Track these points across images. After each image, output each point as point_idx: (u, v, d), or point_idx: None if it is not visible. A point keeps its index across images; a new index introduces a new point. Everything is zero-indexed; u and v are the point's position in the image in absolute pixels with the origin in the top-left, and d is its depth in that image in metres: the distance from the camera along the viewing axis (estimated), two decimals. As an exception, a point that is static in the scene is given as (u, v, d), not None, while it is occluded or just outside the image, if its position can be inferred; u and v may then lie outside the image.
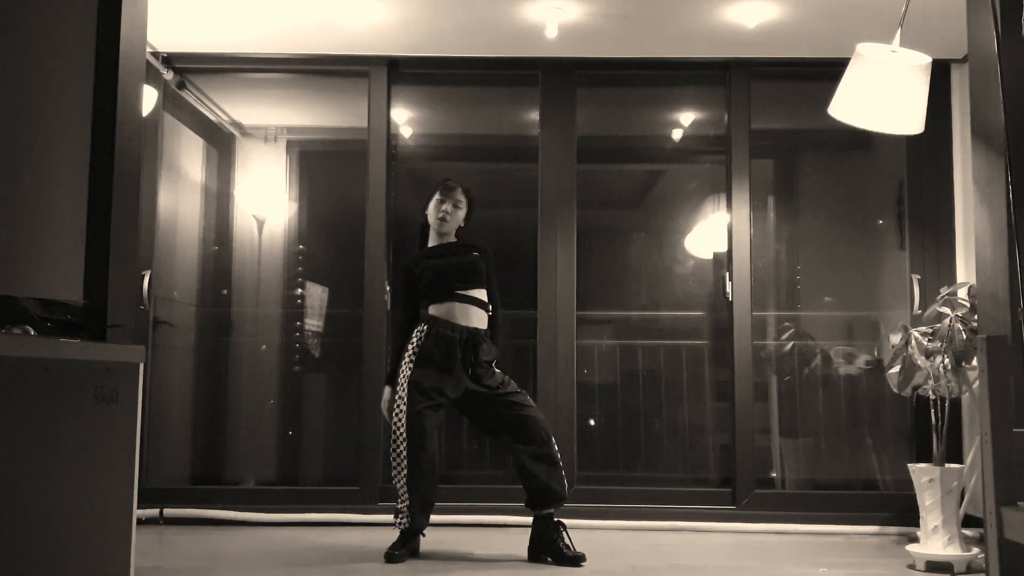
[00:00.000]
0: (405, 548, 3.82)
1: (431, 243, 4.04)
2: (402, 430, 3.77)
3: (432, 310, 3.91)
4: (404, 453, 3.77)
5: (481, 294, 3.94)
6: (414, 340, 3.86)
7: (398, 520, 3.82)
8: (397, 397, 3.82)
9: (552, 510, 3.81)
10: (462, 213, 4.00)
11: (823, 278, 5.39)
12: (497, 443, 5.09)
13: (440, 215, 3.94)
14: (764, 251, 5.19)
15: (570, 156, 4.98)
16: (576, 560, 3.73)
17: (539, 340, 4.87)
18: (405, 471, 3.77)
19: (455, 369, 3.81)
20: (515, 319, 5.03)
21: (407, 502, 3.79)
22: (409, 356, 3.85)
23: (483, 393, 3.84)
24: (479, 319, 3.92)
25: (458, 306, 3.89)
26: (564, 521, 3.82)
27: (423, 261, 3.99)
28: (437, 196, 3.98)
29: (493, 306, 3.99)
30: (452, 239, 4.03)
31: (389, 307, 4.94)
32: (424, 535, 3.93)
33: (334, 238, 5.53)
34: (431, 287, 3.92)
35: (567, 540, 3.78)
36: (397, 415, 3.80)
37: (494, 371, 3.91)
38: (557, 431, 4.66)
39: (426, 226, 4.07)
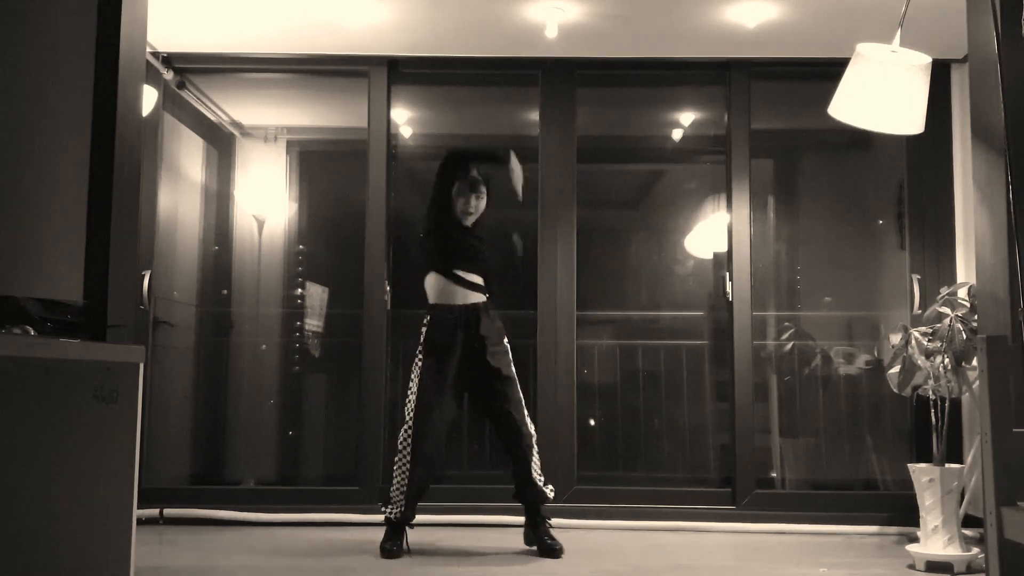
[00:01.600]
0: (399, 540, 3.89)
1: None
2: (409, 419, 3.89)
3: (431, 294, 4.01)
4: (409, 442, 3.86)
5: (479, 280, 4.02)
6: (422, 332, 3.97)
7: (388, 509, 3.89)
8: (412, 384, 3.94)
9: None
10: (483, 204, 4.08)
11: (823, 278, 5.40)
12: (497, 443, 5.11)
13: (469, 209, 4.03)
14: (764, 251, 5.19)
15: (570, 156, 4.98)
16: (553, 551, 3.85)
17: (539, 340, 4.87)
18: (408, 461, 3.85)
19: (457, 348, 3.92)
20: (515, 319, 5.02)
21: (403, 490, 3.86)
22: (419, 349, 3.97)
23: (483, 370, 3.92)
24: (476, 298, 4.00)
25: (458, 289, 3.98)
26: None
27: (450, 224, 4.02)
28: (463, 187, 4.02)
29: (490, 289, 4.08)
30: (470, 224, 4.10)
31: (389, 307, 4.94)
32: (411, 527, 3.95)
33: (334, 238, 5.53)
34: (438, 252, 4.00)
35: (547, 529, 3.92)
36: (408, 403, 3.91)
37: (503, 349, 3.98)
38: (557, 431, 4.67)
39: (443, 205, 4.04)
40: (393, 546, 3.85)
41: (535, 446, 3.97)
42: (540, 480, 3.93)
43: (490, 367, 3.92)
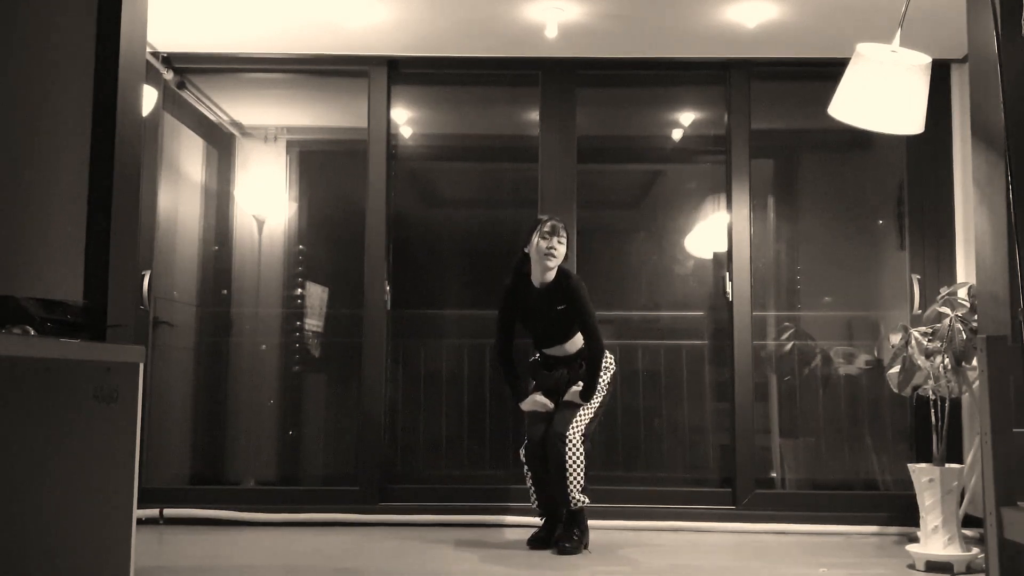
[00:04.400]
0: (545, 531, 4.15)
1: (533, 274, 4.16)
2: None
3: (535, 352, 4.33)
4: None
5: (569, 346, 4.20)
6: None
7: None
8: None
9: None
10: (564, 249, 4.15)
11: (823, 278, 5.39)
12: (496, 443, 5.10)
13: (547, 251, 4.09)
14: (764, 251, 5.19)
15: (570, 156, 4.98)
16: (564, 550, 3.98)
17: (539, 340, 4.85)
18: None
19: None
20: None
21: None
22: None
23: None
24: (566, 363, 4.22)
25: (549, 358, 4.25)
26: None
27: (524, 299, 4.19)
28: (543, 233, 4.12)
29: (587, 340, 4.16)
30: (551, 276, 4.13)
31: (389, 307, 4.94)
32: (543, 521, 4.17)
33: (334, 238, 5.53)
34: (529, 333, 4.28)
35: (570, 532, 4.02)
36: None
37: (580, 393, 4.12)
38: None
39: (524, 259, 4.20)
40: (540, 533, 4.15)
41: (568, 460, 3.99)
42: (571, 492, 3.99)
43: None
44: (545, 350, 4.24)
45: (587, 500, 4.00)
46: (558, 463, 3.95)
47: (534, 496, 4.15)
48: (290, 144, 5.59)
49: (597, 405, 4.11)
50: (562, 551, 3.93)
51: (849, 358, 5.11)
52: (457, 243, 5.53)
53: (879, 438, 5.05)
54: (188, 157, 5.40)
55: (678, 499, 4.78)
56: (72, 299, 2.50)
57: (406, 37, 4.71)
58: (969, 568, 3.76)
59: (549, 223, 4.12)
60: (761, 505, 4.72)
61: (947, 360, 3.83)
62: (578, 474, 3.97)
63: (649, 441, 5.19)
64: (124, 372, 2.45)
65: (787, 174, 5.60)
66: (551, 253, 4.08)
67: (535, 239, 4.11)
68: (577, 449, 3.97)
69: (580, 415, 4.05)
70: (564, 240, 4.13)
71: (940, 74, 4.61)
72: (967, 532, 3.98)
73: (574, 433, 3.98)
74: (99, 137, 2.66)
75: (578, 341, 4.17)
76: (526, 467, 4.13)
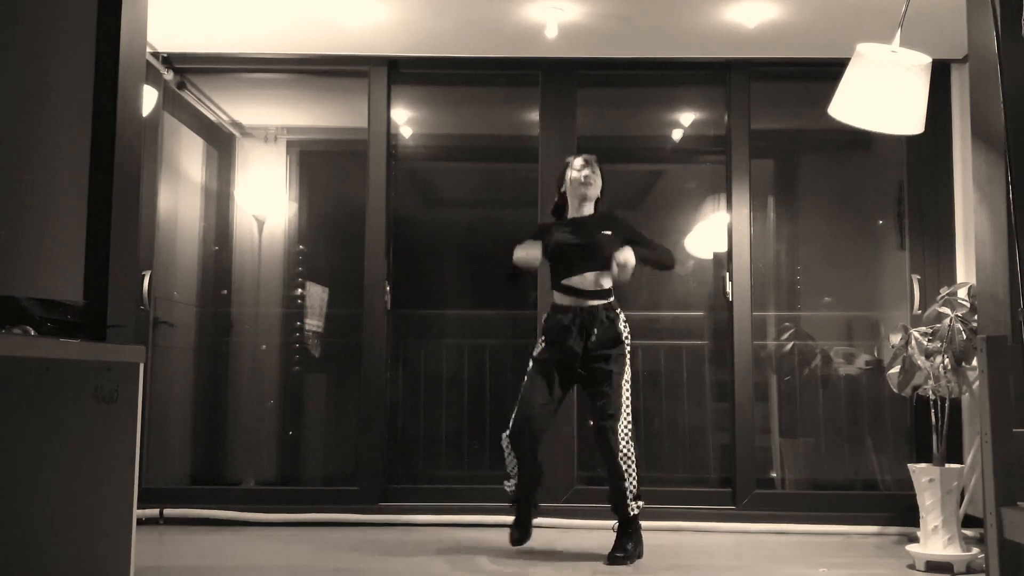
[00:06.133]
0: (516, 527, 3.90)
1: (570, 214, 4.01)
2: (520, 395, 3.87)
3: (554, 296, 3.94)
4: (512, 416, 3.84)
5: (600, 278, 3.86)
6: (544, 322, 3.97)
7: (507, 484, 3.91)
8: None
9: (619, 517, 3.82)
10: (599, 179, 4.00)
11: (823, 278, 5.39)
12: (496, 443, 5.11)
13: (584, 181, 3.94)
14: (764, 251, 5.19)
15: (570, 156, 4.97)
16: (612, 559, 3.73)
17: (539, 340, 4.85)
18: (508, 433, 3.84)
19: (568, 345, 3.81)
20: (515, 319, 5.03)
21: (511, 464, 3.85)
22: (540, 339, 3.93)
23: (584, 373, 3.85)
24: (594, 300, 3.86)
25: (570, 294, 3.87)
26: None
27: (554, 230, 3.96)
28: (574, 167, 3.98)
29: (655, 253, 3.96)
30: (591, 210, 3.99)
31: (389, 307, 4.94)
32: (534, 510, 3.94)
33: (334, 238, 5.54)
34: (552, 266, 3.95)
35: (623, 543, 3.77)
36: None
37: (614, 356, 3.82)
38: (558, 432, 4.65)
39: (561, 203, 4.05)
40: (513, 531, 3.90)
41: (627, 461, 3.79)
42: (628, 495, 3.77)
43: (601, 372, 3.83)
44: (570, 281, 3.87)
45: (642, 504, 3.79)
46: (611, 462, 3.73)
47: (514, 479, 3.86)
48: (290, 144, 5.59)
49: (628, 383, 3.84)
50: (612, 561, 3.69)
51: (849, 358, 5.11)
52: (457, 243, 5.53)
53: (879, 438, 5.05)
54: (188, 157, 5.40)
55: (678, 499, 4.78)
56: (72, 299, 2.50)
57: (406, 37, 4.71)
58: (969, 568, 3.76)
59: (579, 157, 4.02)
60: (761, 505, 4.72)
61: (947, 360, 3.83)
62: (633, 475, 3.77)
63: (649, 441, 5.19)
64: (124, 372, 2.45)
65: (787, 174, 5.60)
66: (588, 181, 3.94)
67: (568, 175, 4.00)
68: (629, 444, 3.76)
69: (624, 394, 3.77)
70: (598, 171, 3.99)
71: (940, 74, 4.61)
72: (967, 532, 3.98)
73: (626, 421, 3.75)
74: (99, 137, 2.66)
75: (605, 279, 3.86)
76: (511, 452, 3.83)
